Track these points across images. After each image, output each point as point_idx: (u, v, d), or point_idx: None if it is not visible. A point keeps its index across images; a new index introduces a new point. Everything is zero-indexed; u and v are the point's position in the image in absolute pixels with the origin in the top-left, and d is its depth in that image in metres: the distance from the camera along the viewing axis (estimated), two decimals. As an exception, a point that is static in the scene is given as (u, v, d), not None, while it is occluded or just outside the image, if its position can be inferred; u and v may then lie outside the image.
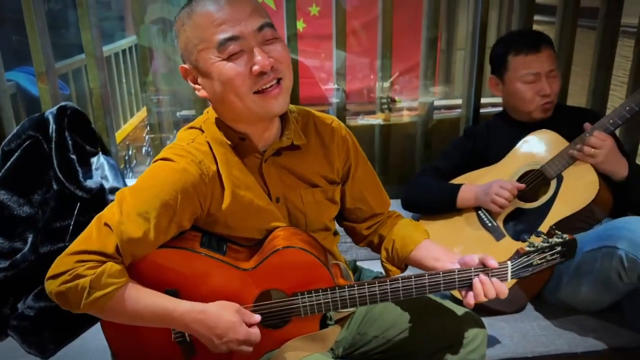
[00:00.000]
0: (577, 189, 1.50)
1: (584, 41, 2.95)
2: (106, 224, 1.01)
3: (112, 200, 1.08)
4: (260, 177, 1.15)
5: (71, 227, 1.57)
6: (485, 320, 1.24)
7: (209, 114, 1.17)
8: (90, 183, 1.65)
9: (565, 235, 1.14)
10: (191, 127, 1.18)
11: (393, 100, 2.35)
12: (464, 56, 2.08)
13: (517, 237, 1.55)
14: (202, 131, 1.14)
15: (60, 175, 1.61)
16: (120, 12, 4.19)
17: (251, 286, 1.11)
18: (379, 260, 1.31)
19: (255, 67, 1.02)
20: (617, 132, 1.60)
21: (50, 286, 1.00)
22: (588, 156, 1.50)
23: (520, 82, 1.67)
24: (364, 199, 1.29)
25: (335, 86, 2.04)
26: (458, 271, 1.10)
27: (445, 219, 1.71)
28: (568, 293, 1.51)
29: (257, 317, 1.09)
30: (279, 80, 1.05)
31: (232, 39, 1.01)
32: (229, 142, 1.12)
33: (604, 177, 1.51)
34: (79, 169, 1.66)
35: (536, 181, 1.61)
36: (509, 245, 1.55)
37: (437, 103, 2.17)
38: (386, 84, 2.18)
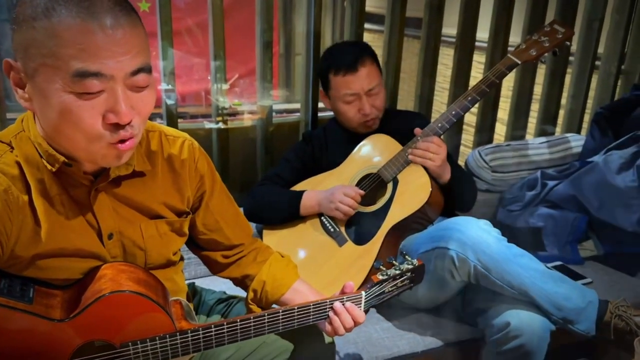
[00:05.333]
0: (412, 192, 1.55)
1: (410, 49, 3.17)
2: None
3: None
4: (89, 210, 0.94)
5: None
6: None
7: (25, 124, 0.91)
8: None
9: (414, 261, 1.16)
10: None
11: (231, 106, 2.24)
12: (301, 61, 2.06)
13: (358, 241, 1.56)
14: (12, 148, 0.89)
15: None
16: None
17: (69, 339, 0.89)
18: (220, 277, 1.22)
19: (112, 117, 0.81)
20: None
21: None
22: (427, 160, 1.55)
23: (341, 102, 1.69)
24: (219, 229, 1.15)
25: (166, 87, 1.87)
26: (313, 305, 1.06)
27: (289, 227, 1.67)
28: (406, 293, 1.55)
29: None
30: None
31: (95, 76, 0.78)
32: (49, 167, 0.89)
33: (434, 179, 1.58)
34: None
35: (374, 185, 1.63)
36: (352, 250, 1.55)
37: (276, 107, 2.13)
38: (225, 86, 2.06)
